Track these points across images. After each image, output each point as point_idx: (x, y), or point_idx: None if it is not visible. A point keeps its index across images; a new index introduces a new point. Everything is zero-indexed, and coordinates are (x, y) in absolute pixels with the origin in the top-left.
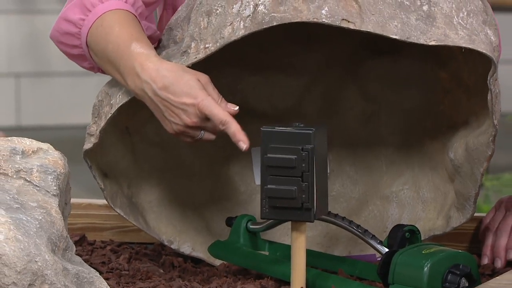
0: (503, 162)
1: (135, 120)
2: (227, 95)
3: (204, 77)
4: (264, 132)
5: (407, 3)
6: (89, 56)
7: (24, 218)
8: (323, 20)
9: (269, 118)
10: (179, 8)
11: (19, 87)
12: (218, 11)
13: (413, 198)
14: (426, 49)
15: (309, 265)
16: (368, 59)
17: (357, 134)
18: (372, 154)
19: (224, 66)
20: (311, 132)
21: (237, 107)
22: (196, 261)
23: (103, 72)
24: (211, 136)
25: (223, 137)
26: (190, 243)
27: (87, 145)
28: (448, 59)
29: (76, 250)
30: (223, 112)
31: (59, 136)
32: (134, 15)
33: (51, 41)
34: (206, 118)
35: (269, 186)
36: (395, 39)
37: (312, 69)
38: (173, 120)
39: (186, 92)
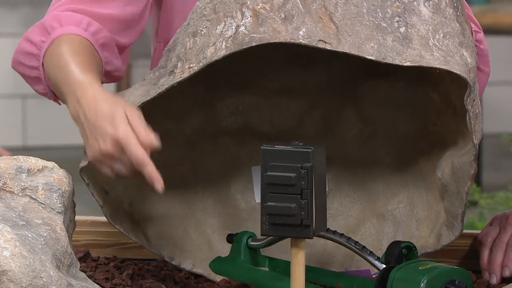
0: (497, 181)
1: None
2: (229, 116)
3: (132, 110)
4: (264, 151)
5: (384, 25)
6: (43, 79)
7: (29, 235)
8: (300, 40)
9: (270, 138)
10: (177, 31)
11: (25, 108)
12: (203, 32)
13: (407, 217)
14: (420, 72)
15: (308, 280)
16: (364, 81)
17: (355, 155)
18: (370, 174)
19: (226, 88)
20: (310, 150)
21: (158, 143)
22: (198, 277)
23: (55, 99)
24: (127, 172)
25: (224, 157)
26: (191, 260)
27: (83, 163)
28: (439, 81)
29: (80, 266)
30: (142, 154)
31: (64, 156)
32: (91, 43)
33: None
34: (119, 150)
35: (269, 203)
36: (391, 63)
37: (312, 91)
38: (92, 145)
39: (110, 120)
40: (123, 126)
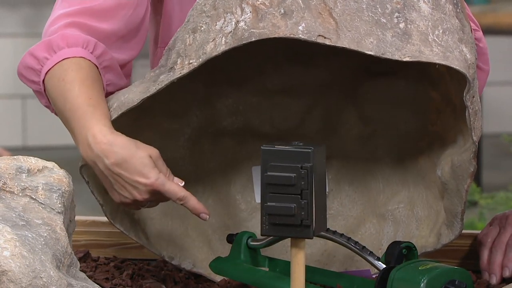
0: (497, 181)
1: (139, 141)
2: (229, 116)
3: (155, 152)
4: (264, 151)
5: (384, 20)
6: (45, 94)
7: (29, 235)
8: (300, 35)
9: (270, 138)
10: (178, 30)
11: (25, 108)
12: (202, 28)
13: (407, 216)
14: (420, 70)
15: (308, 280)
16: (365, 81)
17: (356, 154)
18: (370, 174)
19: (226, 88)
20: (310, 150)
21: (183, 182)
22: (198, 277)
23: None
24: (155, 205)
25: (224, 157)
26: (191, 259)
27: (83, 161)
28: (438, 80)
29: (80, 267)
30: (179, 188)
31: (64, 156)
32: (97, 67)
33: None
34: (156, 193)
35: (269, 203)
36: (390, 61)
37: (312, 91)
38: (122, 193)
39: (139, 171)
40: (153, 172)
